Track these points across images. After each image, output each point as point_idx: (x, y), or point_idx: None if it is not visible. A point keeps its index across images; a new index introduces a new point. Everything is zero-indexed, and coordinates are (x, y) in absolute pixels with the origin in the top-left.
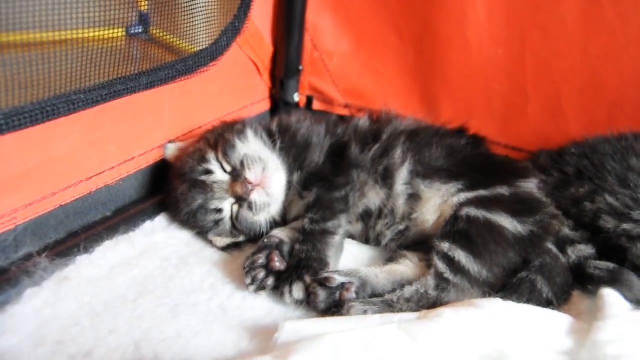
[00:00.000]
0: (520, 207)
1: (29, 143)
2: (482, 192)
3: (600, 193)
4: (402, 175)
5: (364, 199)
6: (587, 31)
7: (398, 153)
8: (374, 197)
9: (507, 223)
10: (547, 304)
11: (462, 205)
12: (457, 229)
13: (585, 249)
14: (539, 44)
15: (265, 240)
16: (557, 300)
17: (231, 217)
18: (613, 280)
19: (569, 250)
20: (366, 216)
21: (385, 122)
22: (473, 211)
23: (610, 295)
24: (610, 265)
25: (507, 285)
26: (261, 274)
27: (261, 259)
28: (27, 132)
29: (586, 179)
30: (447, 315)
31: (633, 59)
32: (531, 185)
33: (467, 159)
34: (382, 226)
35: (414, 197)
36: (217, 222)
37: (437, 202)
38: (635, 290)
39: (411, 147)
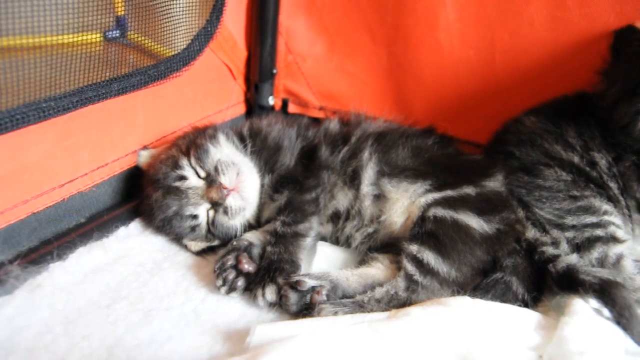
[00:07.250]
0: (486, 206)
1: None
2: (449, 193)
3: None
4: (367, 175)
5: (333, 200)
6: (553, 32)
7: (366, 155)
8: (342, 199)
9: (474, 222)
10: (524, 304)
11: (429, 205)
12: (425, 230)
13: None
14: (507, 45)
15: (235, 243)
16: (533, 300)
17: (207, 222)
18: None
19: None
20: (335, 218)
21: (355, 125)
22: (440, 211)
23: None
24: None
25: (481, 285)
26: (231, 275)
27: (230, 260)
28: None
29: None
30: (416, 313)
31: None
32: (497, 184)
33: (434, 159)
34: (350, 228)
35: (380, 198)
36: (193, 228)
37: (405, 203)
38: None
39: (378, 148)
